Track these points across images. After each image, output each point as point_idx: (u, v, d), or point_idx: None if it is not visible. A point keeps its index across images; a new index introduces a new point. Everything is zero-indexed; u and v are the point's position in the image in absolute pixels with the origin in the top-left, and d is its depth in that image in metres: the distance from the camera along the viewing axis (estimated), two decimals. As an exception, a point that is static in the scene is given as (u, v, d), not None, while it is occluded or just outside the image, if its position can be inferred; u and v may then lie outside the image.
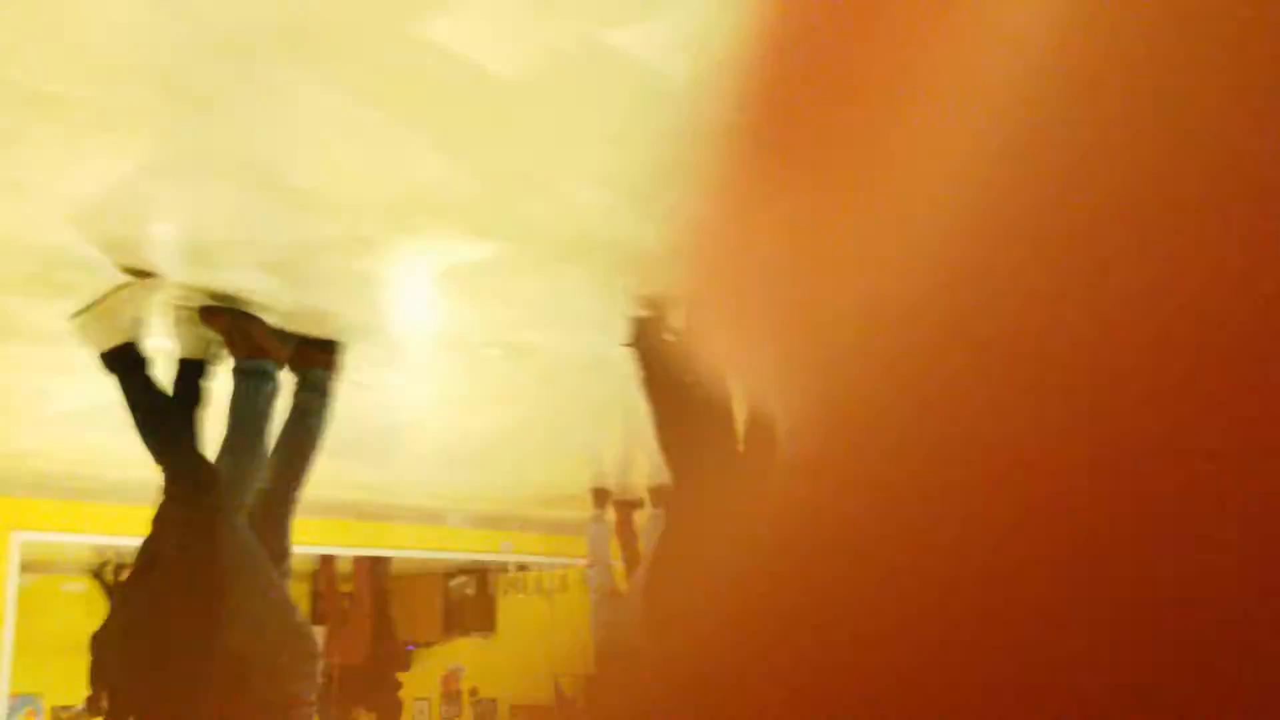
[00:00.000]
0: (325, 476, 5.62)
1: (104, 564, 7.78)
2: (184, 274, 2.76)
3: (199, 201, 2.35)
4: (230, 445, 2.93)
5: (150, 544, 2.81)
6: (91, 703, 3.26)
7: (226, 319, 2.96)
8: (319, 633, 8.15)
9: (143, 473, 2.98)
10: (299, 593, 10.42)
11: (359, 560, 7.95)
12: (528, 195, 2.39)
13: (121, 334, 2.80)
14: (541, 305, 3.14)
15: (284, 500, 3.02)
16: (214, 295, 2.91)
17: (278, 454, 3.04)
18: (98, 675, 2.86)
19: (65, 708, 7.86)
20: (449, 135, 2.10)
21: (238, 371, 2.97)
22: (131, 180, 2.22)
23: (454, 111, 2.02)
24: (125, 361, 2.82)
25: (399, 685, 8.68)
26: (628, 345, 3.24)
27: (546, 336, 3.45)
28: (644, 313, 3.16)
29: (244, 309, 2.99)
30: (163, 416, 2.85)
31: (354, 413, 4.32)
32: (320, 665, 2.92)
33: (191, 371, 2.98)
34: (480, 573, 10.71)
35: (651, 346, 3.13)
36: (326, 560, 8.08)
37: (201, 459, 2.86)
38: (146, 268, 2.71)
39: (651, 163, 2.20)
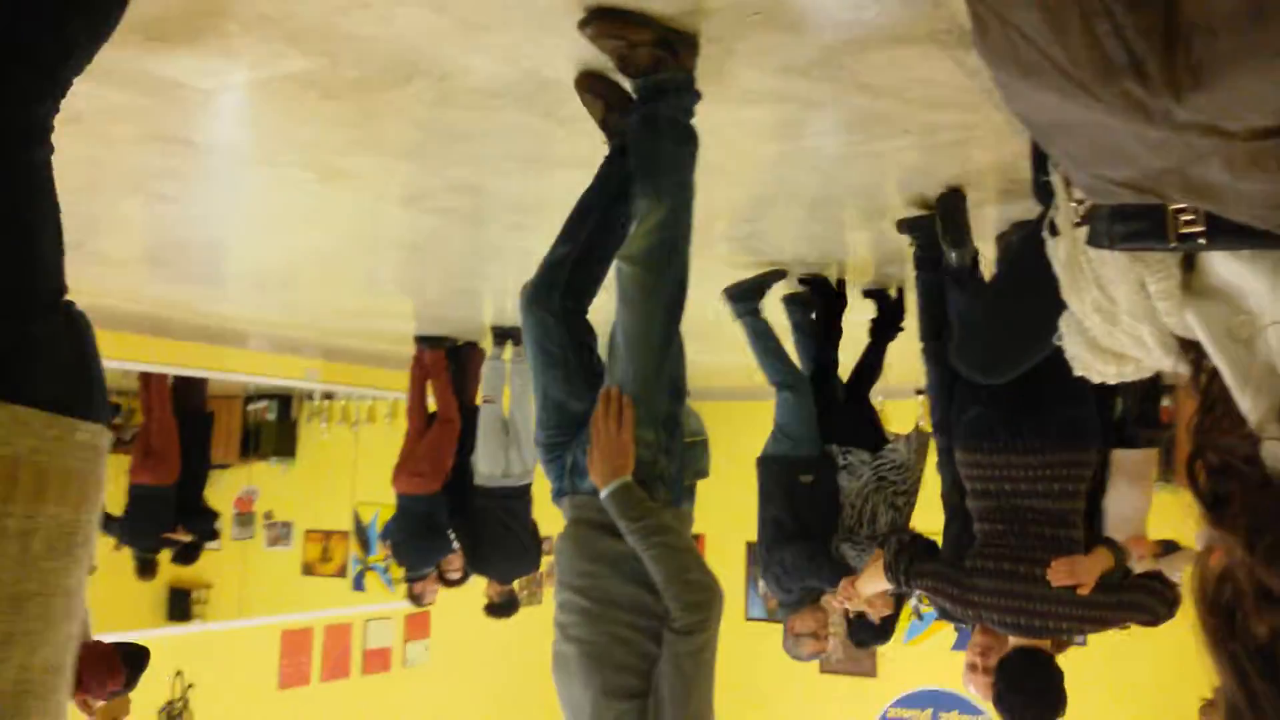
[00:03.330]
0: (124, 289, 5.37)
1: None
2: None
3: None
4: None
5: None
6: None
7: None
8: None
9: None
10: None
11: (152, 380, 7.62)
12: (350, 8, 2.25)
13: None
14: (360, 131, 3.00)
15: None
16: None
17: None
18: None
19: None
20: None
21: None
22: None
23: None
24: None
25: (215, 513, 8.53)
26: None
27: (362, 164, 3.31)
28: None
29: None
30: None
31: (159, 225, 4.11)
32: None
33: None
34: (283, 398, 10.52)
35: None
36: (147, 379, 7.65)
37: None
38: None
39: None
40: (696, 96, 2.42)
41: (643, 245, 2.34)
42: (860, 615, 4.15)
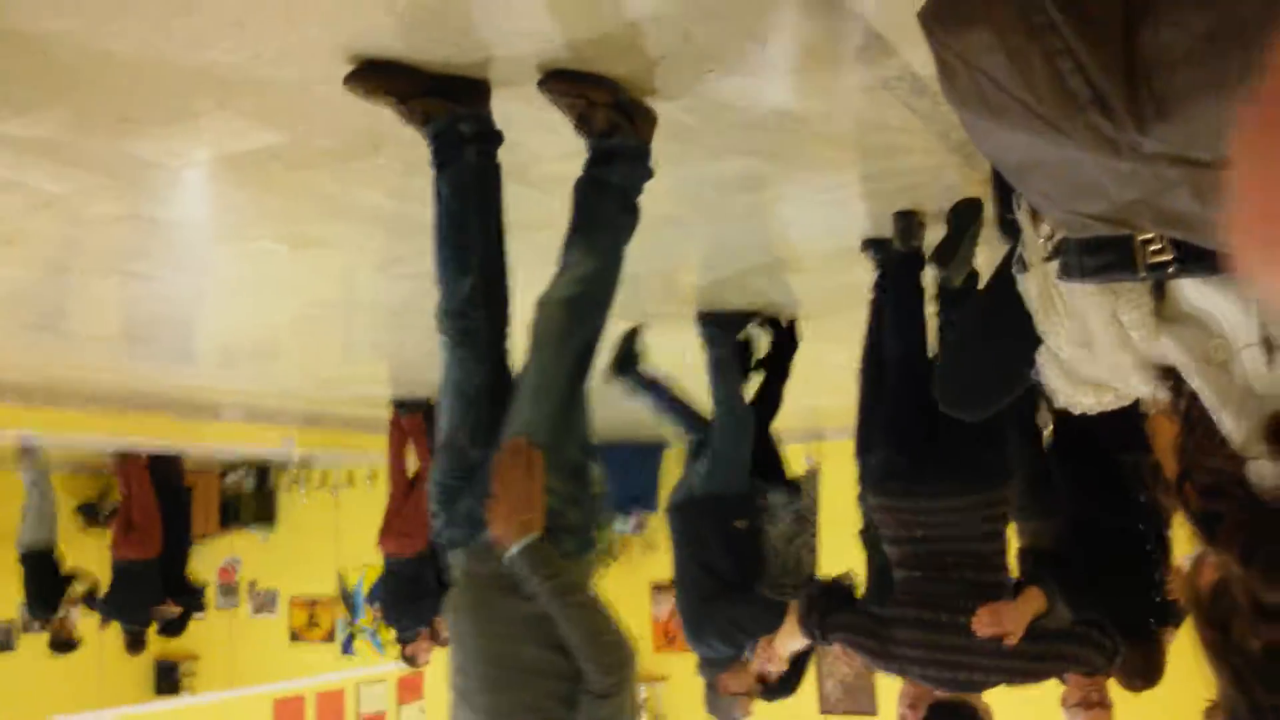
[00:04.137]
0: (98, 366, 5.34)
1: None
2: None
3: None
4: None
5: None
6: None
7: None
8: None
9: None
10: (89, 488, 9.92)
11: (128, 456, 7.56)
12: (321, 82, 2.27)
13: None
14: (331, 200, 3.02)
15: None
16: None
17: None
18: None
19: None
20: (228, 8, 1.97)
21: None
22: None
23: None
24: None
25: (201, 585, 8.44)
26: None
27: (334, 233, 3.33)
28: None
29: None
30: None
31: (132, 303, 4.10)
32: None
33: None
34: (261, 468, 10.45)
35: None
36: (123, 455, 7.58)
37: None
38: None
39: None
40: (648, 173, 2.43)
41: (566, 293, 2.34)
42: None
